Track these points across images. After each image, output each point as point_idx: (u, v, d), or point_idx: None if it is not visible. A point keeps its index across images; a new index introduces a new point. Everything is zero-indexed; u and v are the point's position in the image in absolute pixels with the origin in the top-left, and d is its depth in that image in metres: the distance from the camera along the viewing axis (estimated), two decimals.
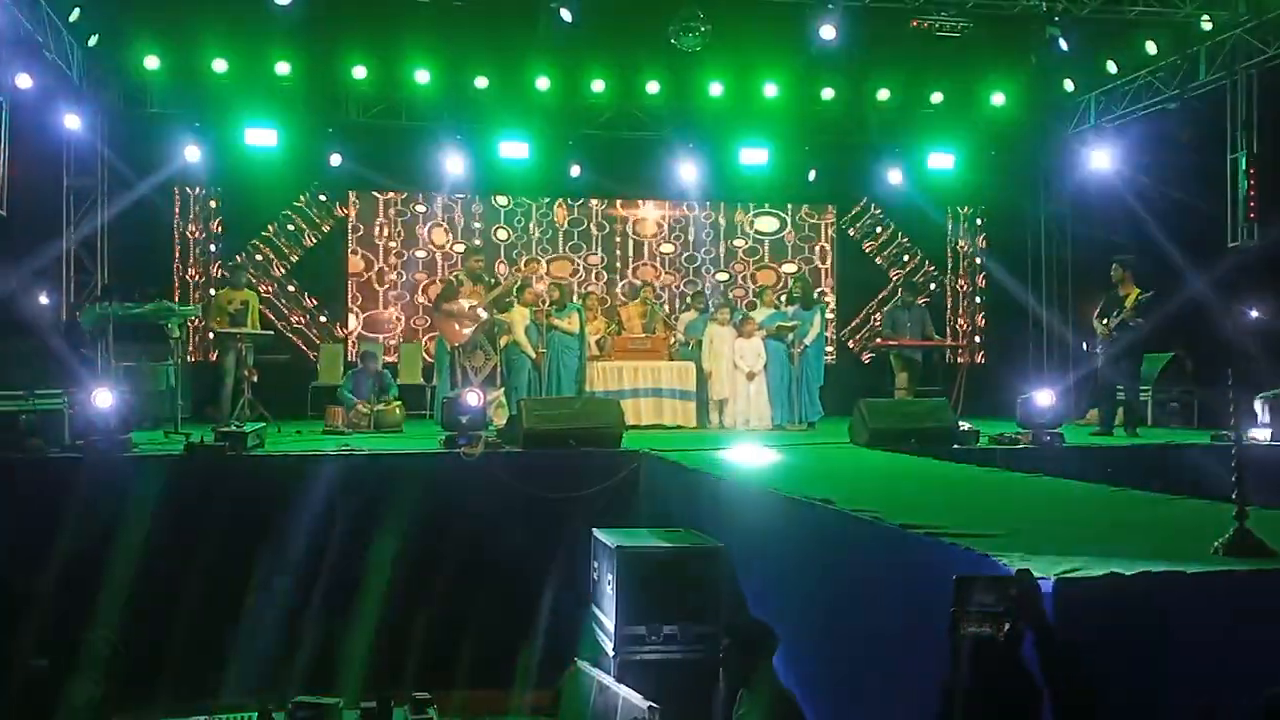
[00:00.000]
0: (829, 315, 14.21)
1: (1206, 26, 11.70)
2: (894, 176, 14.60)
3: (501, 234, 14.38)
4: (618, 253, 14.69)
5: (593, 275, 14.63)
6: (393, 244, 14.14)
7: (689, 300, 13.43)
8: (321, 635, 6.96)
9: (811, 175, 14.35)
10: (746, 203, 14.91)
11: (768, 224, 15.03)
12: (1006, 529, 4.00)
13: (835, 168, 14.41)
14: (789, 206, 15.09)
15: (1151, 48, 12.37)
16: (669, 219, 14.84)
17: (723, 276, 14.84)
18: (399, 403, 10.91)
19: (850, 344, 15.11)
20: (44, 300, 11.44)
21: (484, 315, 10.72)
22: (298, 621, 7.04)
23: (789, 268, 14.91)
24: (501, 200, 14.40)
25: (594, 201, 14.62)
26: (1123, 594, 3.10)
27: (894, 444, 8.19)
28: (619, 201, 14.72)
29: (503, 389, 10.81)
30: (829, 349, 14.04)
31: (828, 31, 10.97)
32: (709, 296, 13.04)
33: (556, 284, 12.44)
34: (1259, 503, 3.69)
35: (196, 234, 13.67)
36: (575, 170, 13.85)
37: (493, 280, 11.82)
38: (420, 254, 14.15)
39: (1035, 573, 3.08)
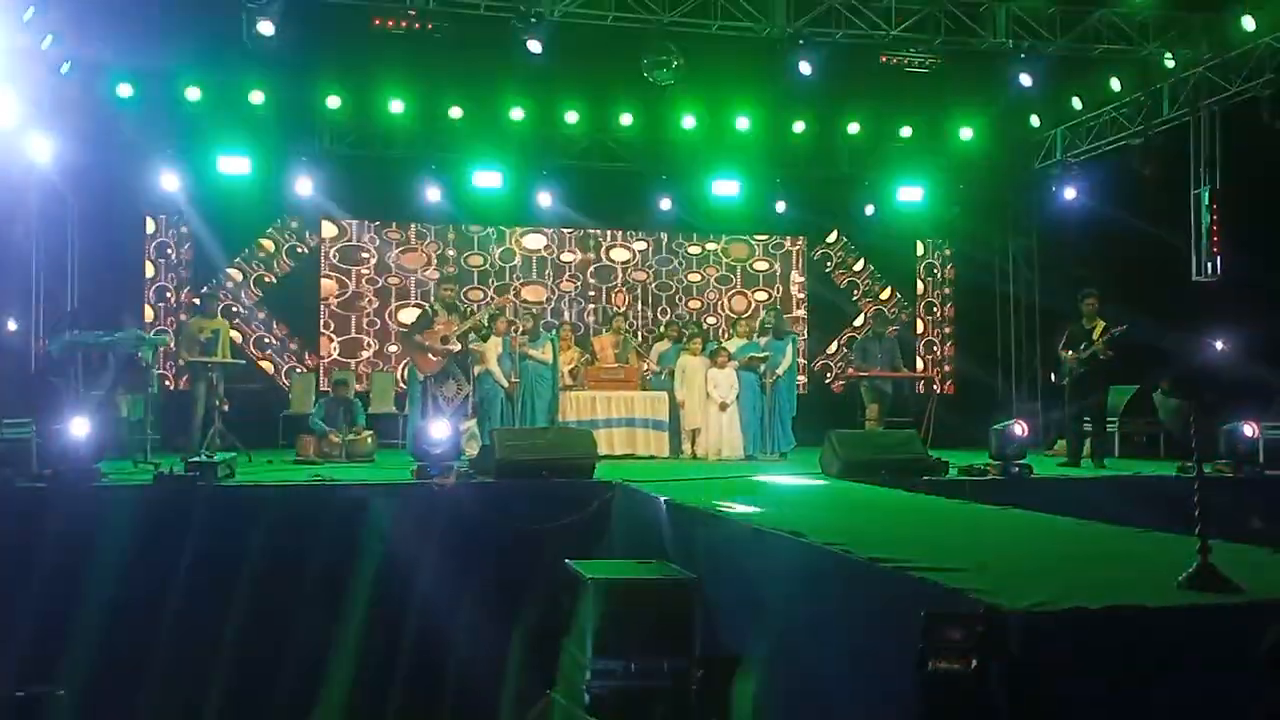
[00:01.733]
0: (800, 346, 14.39)
1: (1170, 64, 11.88)
2: (864, 209, 14.77)
3: (475, 260, 14.47)
4: (591, 281, 14.79)
5: (565, 304, 14.71)
6: (365, 271, 14.21)
7: (662, 330, 13.49)
8: (296, 670, 6.89)
9: (780, 206, 14.55)
10: (719, 233, 15.03)
11: (740, 251, 15.17)
12: (975, 563, 4.00)
13: (806, 199, 14.62)
14: (761, 237, 15.16)
15: (1116, 84, 12.60)
16: (642, 249, 14.97)
17: (695, 305, 14.87)
18: (370, 432, 10.89)
19: (823, 375, 15.31)
20: (12, 327, 11.37)
21: (456, 346, 10.74)
22: (271, 655, 6.97)
23: (760, 295, 15.00)
24: (475, 228, 14.49)
25: (567, 231, 14.69)
26: (1088, 628, 3.11)
27: (865, 475, 8.21)
28: (592, 231, 14.82)
29: (475, 419, 10.79)
30: (801, 379, 14.13)
31: (805, 68, 11.10)
32: (681, 326, 13.13)
33: (529, 313, 12.54)
34: (1222, 535, 3.72)
35: (168, 261, 13.64)
36: (545, 200, 13.88)
37: (467, 309, 11.85)
38: (393, 281, 14.22)
39: (1002, 607, 3.10)
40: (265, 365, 13.72)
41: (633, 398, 11.48)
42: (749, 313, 14.13)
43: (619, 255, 14.85)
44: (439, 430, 8.42)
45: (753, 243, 15.15)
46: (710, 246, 14.98)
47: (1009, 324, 15.01)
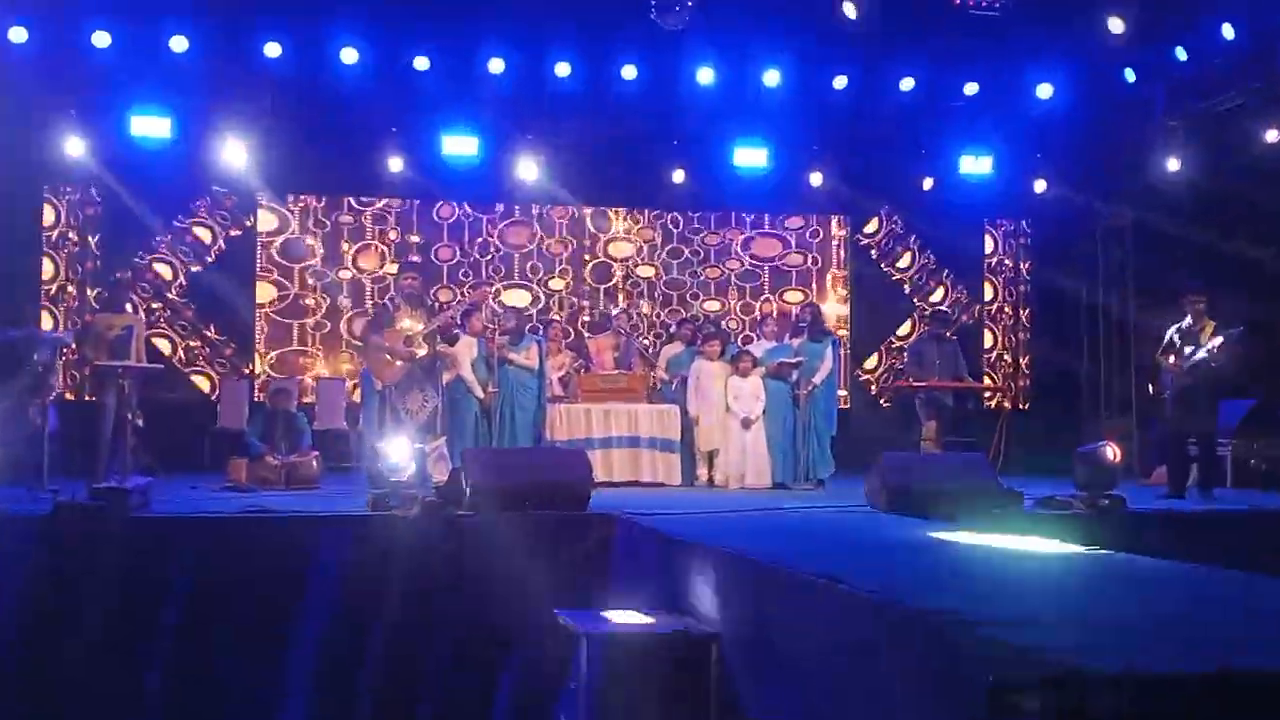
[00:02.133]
0: (842, 350, 14.46)
1: None
2: (920, 183, 14.77)
3: (444, 253, 14.57)
4: (586, 274, 14.90)
5: (556, 301, 14.76)
6: (312, 261, 14.30)
7: (672, 330, 13.44)
8: None
9: (817, 180, 14.48)
10: (742, 212, 15.19)
11: (768, 244, 15.29)
12: (1054, 616, 4.01)
13: (849, 172, 14.56)
14: (793, 218, 15.25)
15: (1229, 30, 12.62)
16: (648, 233, 15.05)
17: (713, 305, 14.92)
18: (316, 453, 10.93)
19: (868, 385, 15.32)
20: None
21: (422, 348, 10.80)
22: None
23: (793, 295, 15.04)
24: (445, 211, 14.58)
25: (558, 212, 14.78)
26: (1195, 696, 3.08)
27: (920, 508, 8.25)
28: (588, 212, 14.91)
29: (444, 437, 10.79)
30: (842, 391, 14.14)
31: (850, 10, 11.10)
32: (696, 326, 13.14)
33: (514, 312, 12.45)
34: None
35: (71, 245, 13.66)
36: (529, 171, 13.86)
37: (435, 304, 11.90)
38: (345, 273, 14.32)
39: (1087, 670, 3.07)
40: (192, 372, 13.81)
41: (637, 412, 11.51)
42: (776, 313, 13.98)
43: (619, 244, 14.96)
44: (400, 451, 8.40)
45: (783, 234, 15.25)
46: (731, 235, 15.12)
47: (1097, 324, 15.00)
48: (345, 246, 14.31)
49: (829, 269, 15.34)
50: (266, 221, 14.16)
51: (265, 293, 14.12)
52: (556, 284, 14.79)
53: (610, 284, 14.92)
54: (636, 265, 14.95)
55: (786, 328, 12.20)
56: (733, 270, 15.11)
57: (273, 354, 14.14)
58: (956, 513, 8.00)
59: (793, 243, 15.30)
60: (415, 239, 14.45)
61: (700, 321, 14.08)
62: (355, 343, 13.73)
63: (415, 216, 14.47)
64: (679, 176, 14.36)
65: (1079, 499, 8.72)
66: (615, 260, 14.95)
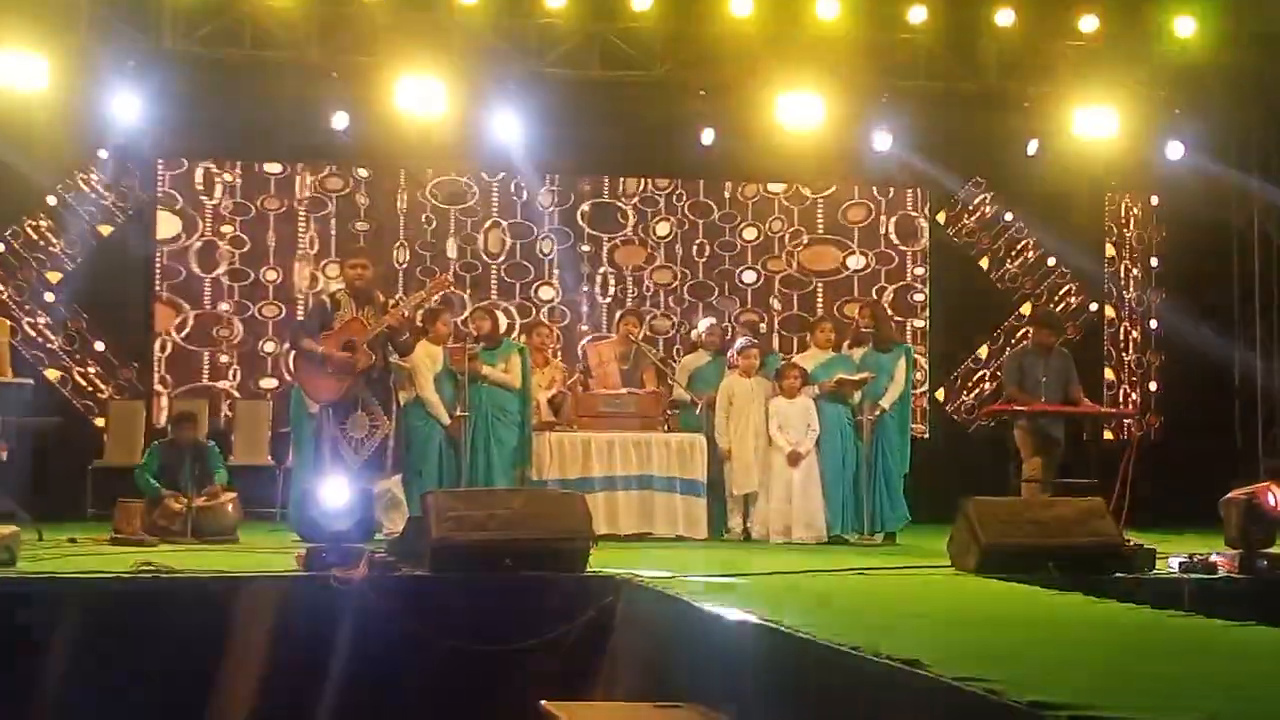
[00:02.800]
0: (918, 363, 14.41)
1: None
2: (1023, 146, 14.70)
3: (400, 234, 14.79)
4: (583, 265, 14.90)
5: (543, 298, 14.87)
6: (227, 247, 14.35)
7: (695, 336, 13.27)
8: None
9: (885, 141, 14.44)
10: (787, 184, 15.20)
11: (821, 225, 15.28)
12: (1202, 712, 3.98)
13: (928, 131, 14.54)
14: (854, 193, 15.34)
15: None
16: (665, 212, 15.06)
17: (750, 318, 14.89)
18: (232, 495, 10.93)
19: (951, 409, 15.39)
20: None
21: (369, 357, 10.74)
22: None
23: (853, 290, 15.22)
24: (401, 179, 14.63)
25: (545, 183, 14.78)
26: None
27: (1021, 569, 8.22)
28: (586, 183, 14.95)
29: (397, 476, 10.89)
30: (918, 418, 14.26)
31: None
32: (728, 330, 13.16)
33: (485, 310, 12.46)
34: None
35: None
36: (510, 130, 13.88)
37: (389, 301, 11.85)
38: (270, 273, 14.37)
39: None
40: (66, 391, 13.83)
41: (650, 443, 11.55)
42: (830, 315, 14.22)
43: (630, 226, 15.00)
44: (339, 492, 8.43)
45: (845, 213, 15.29)
46: (774, 213, 15.21)
47: (1254, 330, 15.00)
48: (271, 236, 14.39)
49: (901, 258, 15.36)
50: (169, 187, 14.19)
51: (167, 280, 14.17)
52: (545, 285, 14.86)
53: (618, 276, 15.08)
54: (650, 251, 15.02)
55: (845, 333, 12.25)
56: (775, 259, 15.15)
57: (179, 356, 14.17)
58: (1070, 577, 7.98)
59: (853, 224, 15.32)
60: (362, 224, 14.52)
61: (732, 324, 14.23)
62: (283, 343, 13.94)
63: (363, 189, 14.54)
64: (707, 137, 14.36)
65: (1229, 559, 8.68)
66: (626, 239, 15.08)
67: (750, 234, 15.14)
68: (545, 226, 14.91)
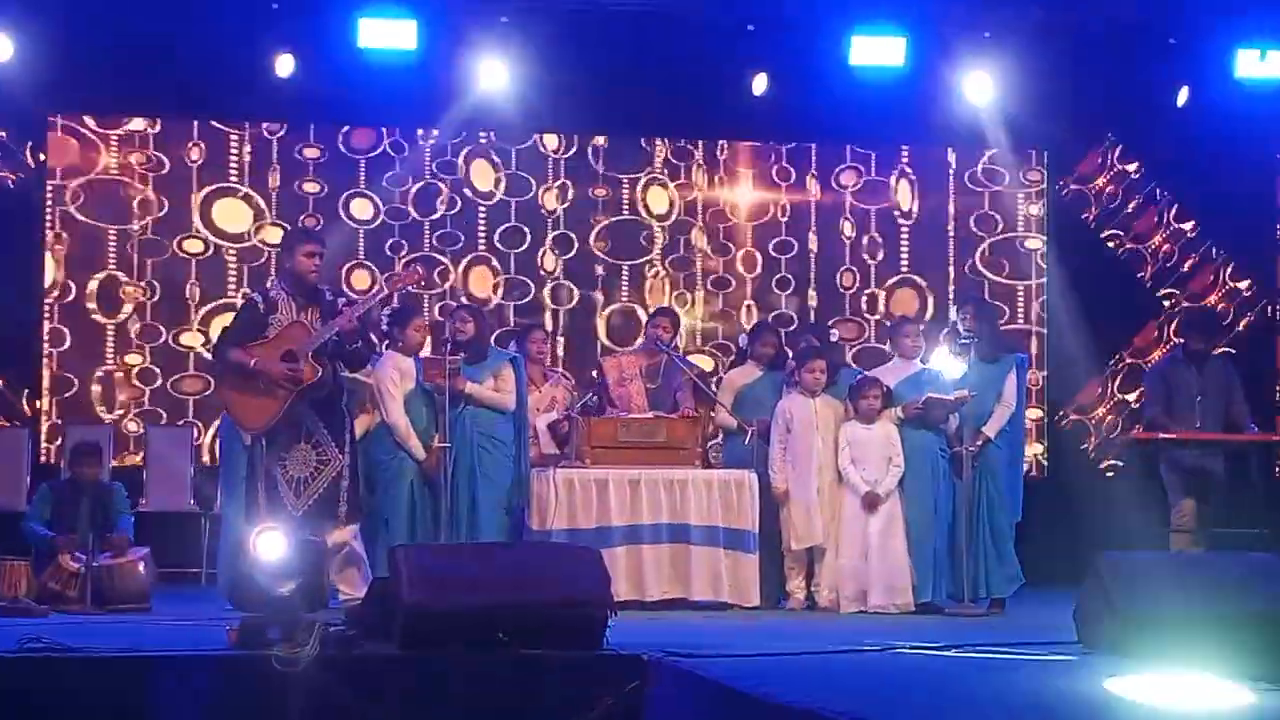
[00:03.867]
0: (1031, 375, 14.40)
1: None
2: (1172, 95, 14.80)
3: (362, 209, 14.74)
4: (596, 243, 15.09)
5: (545, 290, 15.01)
6: (138, 228, 14.47)
7: (743, 343, 13.20)
8: None
9: (988, 88, 14.48)
10: (860, 145, 15.27)
11: (904, 195, 15.44)
12: None
13: (1045, 78, 14.53)
14: (946, 157, 15.44)
15: None
16: (704, 183, 15.14)
17: (812, 299, 15.10)
18: (144, 551, 10.97)
19: (1076, 436, 15.35)
20: None
21: (315, 370, 10.63)
22: None
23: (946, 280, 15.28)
24: (360, 139, 14.75)
25: (550, 143, 14.97)
26: None
27: (1175, 648, 7.90)
28: (600, 144, 15.03)
29: (354, 525, 10.70)
30: (1033, 446, 14.40)
31: None
32: (785, 335, 13.03)
33: (470, 310, 12.32)
34: None
35: None
36: (496, 77, 14.04)
37: (342, 299, 11.70)
38: (194, 247, 14.52)
39: None
40: None
41: (685, 482, 11.50)
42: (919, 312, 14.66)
43: (656, 195, 15.09)
44: (275, 546, 8.47)
45: (934, 180, 15.39)
46: (843, 179, 15.20)
47: None
48: (195, 197, 14.53)
49: (1009, 237, 15.46)
50: (62, 149, 14.34)
51: (57, 269, 14.30)
52: (549, 261, 14.96)
53: (641, 261, 15.12)
54: (685, 231, 15.08)
55: (938, 338, 12.35)
56: (845, 238, 15.27)
57: (74, 371, 14.23)
58: (1235, 657, 7.65)
59: (946, 194, 15.46)
60: (312, 185, 14.66)
61: (791, 327, 14.32)
62: (207, 351, 13.77)
63: (312, 150, 14.70)
64: (759, 85, 14.39)
65: None
66: (649, 221, 15.17)
67: (813, 188, 15.25)
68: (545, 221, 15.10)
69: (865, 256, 15.34)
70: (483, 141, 14.89)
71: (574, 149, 15.07)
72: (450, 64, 14.13)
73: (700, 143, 15.15)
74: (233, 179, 14.63)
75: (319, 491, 10.56)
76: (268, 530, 8.75)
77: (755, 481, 11.53)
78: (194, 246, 14.52)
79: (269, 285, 11.74)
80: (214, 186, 14.58)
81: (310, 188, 14.71)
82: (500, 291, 14.96)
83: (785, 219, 15.26)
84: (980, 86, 14.50)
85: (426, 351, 11.82)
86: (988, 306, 12.57)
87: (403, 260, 14.54)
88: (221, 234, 14.61)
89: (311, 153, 14.71)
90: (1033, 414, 14.45)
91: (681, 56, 14.32)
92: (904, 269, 15.43)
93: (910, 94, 14.54)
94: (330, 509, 10.59)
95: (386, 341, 11.55)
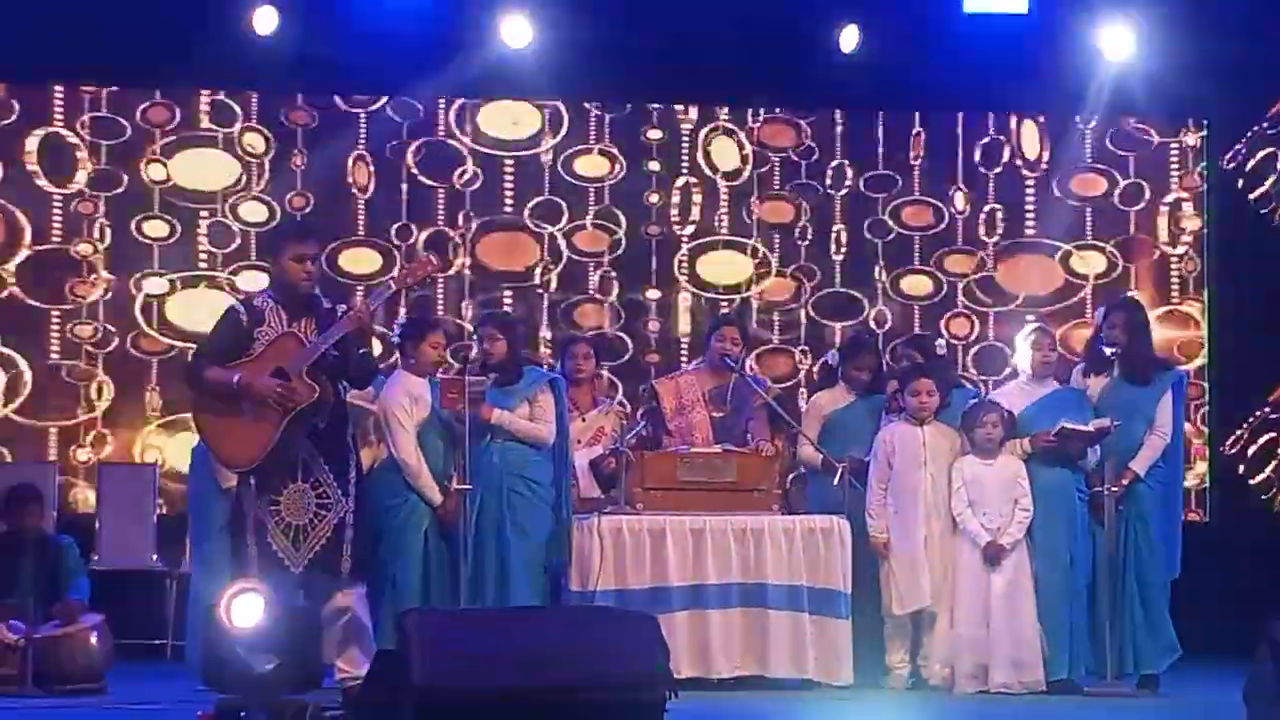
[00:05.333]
0: (1192, 395, 14.46)
1: None
2: None
3: (359, 178, 14.90)
4: (649, 237, 15.27)
5: (589, 281, 15.07)
6: (88, 210, 14.73)
7: (830, 360, 13.06)
8: None
9: (1128, 48, 14.47)
10: (978, 110, 15.48)
11: (1031, 174, 15.28)
12: None
13: (1198, 33, 14.50)
14: (1079, 131, 15.33)
15: None
16: (780, 155, 15.24)
17: (921, 301, 15.09)
18: (98, 620, 11.04)
19: (1245, 473, 15.21)
20: None
21: (313, 390, 10.44)
22: None
23: (1087, 278, 15.31)
24: (359, 103, 14.98)
25: (590, 115, 15.24)
26: None
27: None
28: (655, 110, 15.07)
29: (359, 586, 10.43)
30: (1193, 482, 14.51)
31: None
32: (884, 351, 13.25)
33: (499, 323, 12.16)
34: None
35: None
36: (522, 34, 14.26)
37: (343, 306, 11.50)
38: (157, 230, 14.79)
39: None
40: None
41: (761, 533, 11.33)
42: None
43: (726, 156, 15.14)
44: (254, 611, 8.49)
45: (1071, 154, 15.30)
46: (954, 120, 15.22)
47: None
48: (142, 163, 14.81)
49: (1159, 232, 15.43)
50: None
51: None
52: (584, 242, 15.06)
53: (702, 241, 15.29)
54: (748, 204, 15.25)
55: (1086, 355, 12.07)
56: (957, 226, 15.36)
57: (9, 390, 14.44)
58: None
59: (1083, 181, 15.44)
60: (298, 164, 14.78)
61: (885, 326, 14.61)
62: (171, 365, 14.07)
63: (303, 114, 14.92)
64: (848, 39, 14.50)
65: None
66: (716, 188, 15.23)
67: (918, 165, 15.37)
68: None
69: (973, 251, 15.51)
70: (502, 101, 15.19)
71: (619, 115, 15.32)
72: (466, 10, 14.42)
73: (775, 108, 15.33)
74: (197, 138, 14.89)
75: (320, 543, 10.43)
76: (245, 591, 8.68)
77: (848, 530, 11.34)
78: (157, 227, 14.73)
79: (254, 294, 11.66)
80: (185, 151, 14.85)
81: (295, 160, 14.94)
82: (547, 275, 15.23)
83: (880, 194, 15.43)
84: (1119, 43, 14.54)
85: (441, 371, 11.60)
86: (1139, 311, 12.24)
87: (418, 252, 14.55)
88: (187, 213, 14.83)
89: (297, 116, 14.98)
90: (1194, 446, 14.57)
91: (749, 4, 14.44)
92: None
93: (1040, 45, 14.66)
94: (332, 565, 10.40)
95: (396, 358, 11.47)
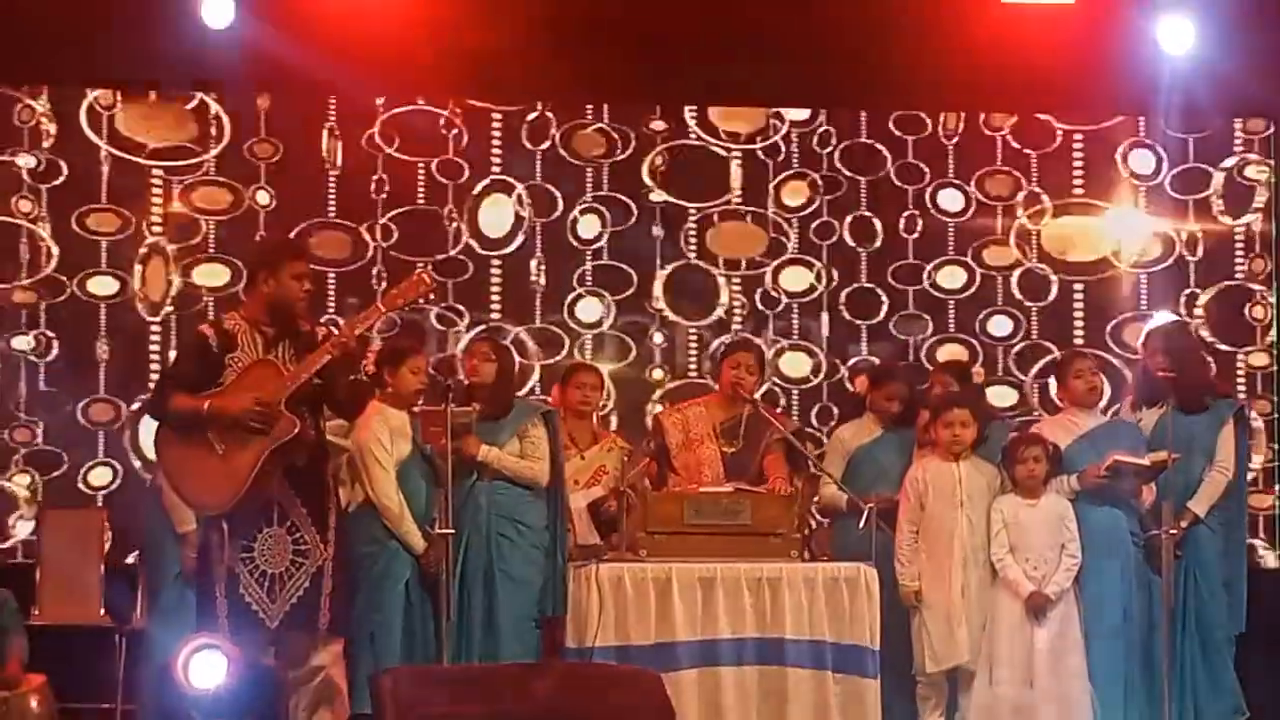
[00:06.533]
0: (1258, 433, 14.32)
1: None
2: None
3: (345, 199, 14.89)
4: (657, 244, 15.25)
5: (591, 312, 15.11)
6: (27, 222, 14.65)
7: (861, 388, 13.36)
8: None
9: (1188, 40, 14.48)
10: (1016, 115, 15.38)
11: (1092, 181, 15.29)
12: None
13: (1267, 24, 14.30)
14: (1134, 129, 15.45)
15: None
16: (800, 164, 15.23)
17: (955, 354, 15.02)
18: (39, 681, 11.25)
19: None
20: None
21: (293, 424, 10.45)
22: None
23: (1138, 294, 15.13)
24: (328, 115, 14.92)
25: (587, 116, 15.09)
26: None
27: None
28: (653, 120, 15.17)
29: (339, 641, 10.62)
30: (1259, 532, 14.23)
31: None
32: (915, 380, 13.02)
33: (487, 344, 12.42)
34: None
35: None
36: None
37: (320, 329, 11.53)
38: (103, 279, 14.44)
39: None
40: None
41: (778, 580, 11.32)
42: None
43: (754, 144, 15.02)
44: (215, 671, 8.86)
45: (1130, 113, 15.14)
46: (996, 121, 15.32)
47: None
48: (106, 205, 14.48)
49: (1219, 245, 15.37)
50: None
51: None
52: (591, 308, 14.90)
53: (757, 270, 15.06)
54: (774, 235, 15.22)
55: (1124, 381, 12.19)
56: (998, 243, 15.37)
57: None
58: None
59: (1133, 183, 15.35)
60: (263, 191, 14.69)
61: (922, 370, 14.11)
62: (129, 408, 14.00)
63: (273, 119, 14.96)
64: None
65: None
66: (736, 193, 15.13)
67: (952, 201, 15.27)
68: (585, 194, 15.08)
69: (1013, 271, 15.49)
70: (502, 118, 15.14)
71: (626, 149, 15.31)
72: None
73: (800, 111, 15.32)
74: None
75: (298, 593, 10.53)
76: (205, 647, 8.93)
77: (875, 578, 11.29)
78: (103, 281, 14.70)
79: (224, 318, 11.45)
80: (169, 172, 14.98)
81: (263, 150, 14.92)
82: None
83: (917, 213, 15.40)
84: (1175, 34, 14.38)
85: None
86: (1193, 335, 12.40)
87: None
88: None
89: (262, 104, 15.13)
90: (1265, 485, 14.39)
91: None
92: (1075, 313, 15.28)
93: (1081, 43, 14.49)
94: (309, 619, 10.48)
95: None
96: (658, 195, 15.44)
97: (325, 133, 15.24)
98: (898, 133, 15.62)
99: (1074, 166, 15.68)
